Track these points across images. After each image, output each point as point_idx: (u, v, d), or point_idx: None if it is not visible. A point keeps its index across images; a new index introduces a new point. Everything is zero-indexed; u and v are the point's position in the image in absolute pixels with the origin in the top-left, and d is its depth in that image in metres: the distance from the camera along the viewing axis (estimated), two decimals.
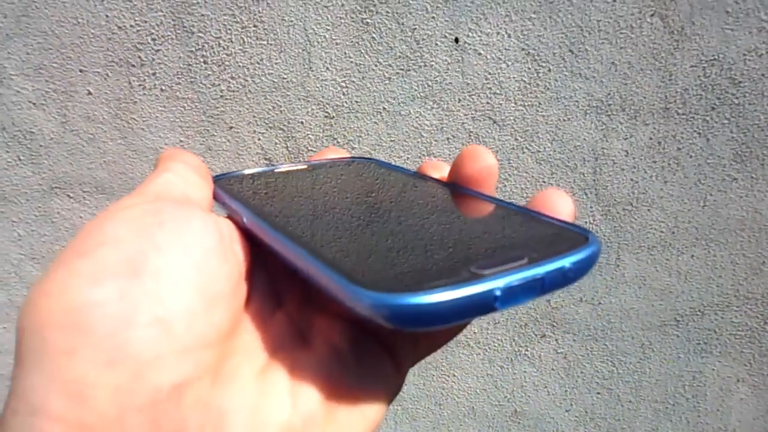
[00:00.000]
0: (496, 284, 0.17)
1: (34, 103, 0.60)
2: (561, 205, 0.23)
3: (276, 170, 0.29)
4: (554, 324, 0.68)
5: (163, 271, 0.18)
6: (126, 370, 0.16)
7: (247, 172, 0.29)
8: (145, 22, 0.57)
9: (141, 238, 0.18)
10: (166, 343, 0.17)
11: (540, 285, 0.18)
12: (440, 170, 0.29)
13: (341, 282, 0.17)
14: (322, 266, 0.18)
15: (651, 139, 0.60)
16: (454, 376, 0.70)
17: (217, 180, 0.27)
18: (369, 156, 0.32)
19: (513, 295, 0.17)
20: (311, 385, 0.19)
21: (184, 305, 0.18)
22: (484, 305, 0.17)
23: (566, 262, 0.18)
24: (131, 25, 0.57)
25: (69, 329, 0.16)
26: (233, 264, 0.21)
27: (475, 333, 0.68)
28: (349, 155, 0.32)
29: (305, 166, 0.30)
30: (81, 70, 0.59)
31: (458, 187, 0.26)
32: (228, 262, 0.20)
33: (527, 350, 0.69)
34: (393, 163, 0.32)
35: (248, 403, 0.18)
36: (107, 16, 0.57)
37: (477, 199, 0.25)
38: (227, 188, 0.26)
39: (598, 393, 0.71)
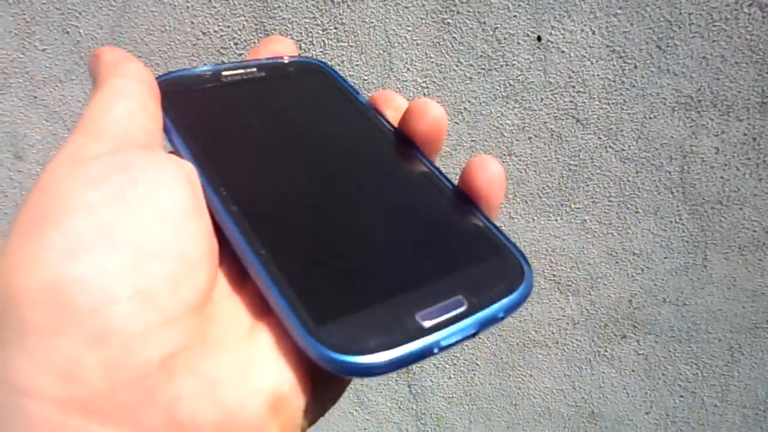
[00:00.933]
0: (436, 337, 0.18)
1: None
2: (491, 170, 0.23)
3: (220, 79, 0.26)
4: (636, 325, 0.66)
5: (142, 239, 0.17)
6: (114, 346, 0.15)
7: (187, 75, 0.26)
8: (228, 27, 0.59)
9: (114, 202, 0.17)
10: (152, 314, 0.16)
11: (474, 333, 0.19)
12: (392, 106, 0.27)
13: (296, 326, 0.18)
14: (276, 294, 0.18)
15: (745, 135, 0.57)
16: (531, 375, 0.70)
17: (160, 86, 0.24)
18: (319, 60, 0.29)
19: (449, 345, 0.18)
20: (295, 349, 0.18)
21: (166, 274, 0.17)
22: (423, 355, 0.18)
23: (500, 309, 0.20)
24: (215, 31, 0.59)
25: (49, 307, 0.15)
26: (206, 219, 0.20)
27: (553, 333, 0.67)
28: (295, 54, 0.29)
29: (249, 73, 0.27)
30: None
31: (403, 152, 0.25)
32: (203, 218, 0.19)
33: (606, 351, 0.68)
34: (345, 79, 0.29)
35: (238, 369, 0.17)
36: (192, 22, 0.59)
37: (423, 184, 0.24)
38: (170, 112, 0.23)
39: (681, 396, 0.69)
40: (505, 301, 0.20)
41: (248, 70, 0.27)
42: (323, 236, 0.21)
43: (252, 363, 0.17)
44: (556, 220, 0.62)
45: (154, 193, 0.18)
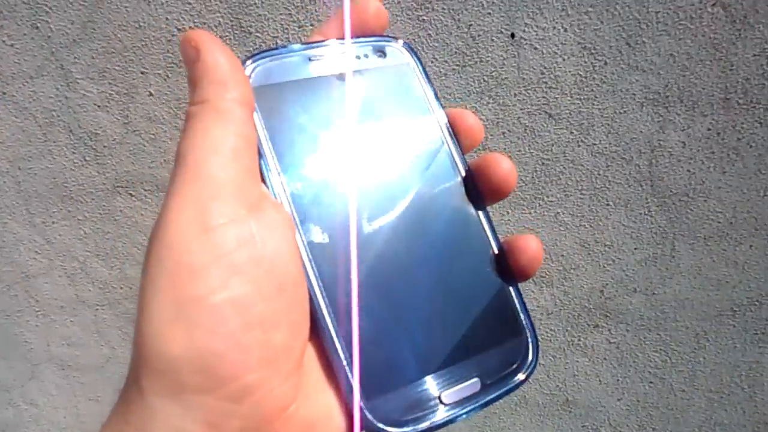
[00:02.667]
0: (453, 414, 0.24)
1: (98, 106, 0.62)
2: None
3: (307, 68, 0.27)
4: (607, 314, 0.68)
5: (266, 314, 0.21)
6: (248, 403, 0.20)
7: (275, 62, 0.26)
8: (204, 23, 0.59)
9: (244, 284, 0.21)
10: (275, 377, 0.21)
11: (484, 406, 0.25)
12: (465, 125, 0.29)
13: (356, 397, 0.22)
14: (342, 369, 0.23)
15: (709, 130, 0.59)
16: None
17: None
18: (408, 45, 0.29)
19: (463, 418, 0.24)
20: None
21: (284, 342, 0.21)
22: (443, 426, 0.24)
23: (506, 392, 0.25)
24: (190, 27, 0.59)
25: (199, 373, 0.20)
26: (304, 281, 0.24)
27: None
28: (384, 36, 0.29)
29: (337, 58, 0.27)
30: (142, 72, 0.61)
31: (464, 202, 0.27)
32: (303, 280, 0.23)
33: (580, 340, 0.70)
34: (426, 71, 0.29)
35: (324, 415, 0.23)
36: (167, 18, 0.59)
37: (473, 248, 0.27)
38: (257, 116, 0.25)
39: (651, 382, 0.72)
40: (510, 386, 0.25)
41: (337, 53, 0.27)
42: (382, 311, 0.25)
43: (331, 409, 0.23)
44: (530, 213, 0.63)
45: (273, 267, 0.21)
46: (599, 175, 0.61)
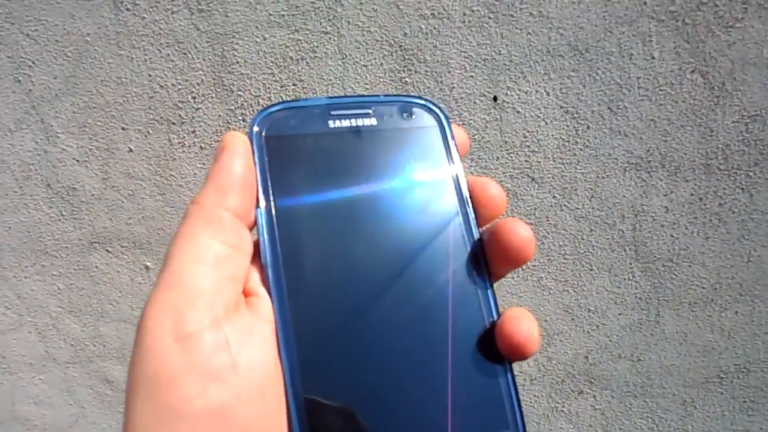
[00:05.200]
0: None
1: (77, 160, 0.61)
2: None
3: (326, 122, 0.27)
4: (592, 380, 0.66)
5: (250, 421, 0.21)
6: None
7: (295, 111, 0.26)
8: (186, 80, 0.58)
9: (222, 392, 0.20)
10: None
11: None
12: (486, 194, 0.27)
13: None
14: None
15: (692, 195, 0.59)
16: None
17: (261, 125, 0.26)
18: (436, 106, 0.28)
19: None
20: None
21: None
22: None
23: None
24: (172, 84, 0.59)
25: None
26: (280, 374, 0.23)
27: None
28: (417, 98, 0.29)
29: (359, 116, 0.27)
30: (123, 128, 0.60)
31: (472, 273, 0.26)
32: (280, 374, 0.23)
33: (564, 407, 0.68)
34: (452, 133, 0.28)
35: None
36: (150, 75, 0.58)
37: (472, 325, 0.25)
38: (267, 165, 0.25)
39: None
40: None
41: (360, 111, 0.27)
42: (355, 386, 0.23)
43: None
44: (513, 278, 0.62)
45: (250, 371, 0.21)
46: (582, 239, 0.61)
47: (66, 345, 0.70)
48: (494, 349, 0.24)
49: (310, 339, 0.23)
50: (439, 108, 0.28)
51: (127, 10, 0.56)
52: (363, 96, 0.28)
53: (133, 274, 0.65)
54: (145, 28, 0.57)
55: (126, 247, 0.64)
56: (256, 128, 0.26)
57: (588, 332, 0.64)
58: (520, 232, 0.25)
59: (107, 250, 0.65)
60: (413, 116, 0.28)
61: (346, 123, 0.27)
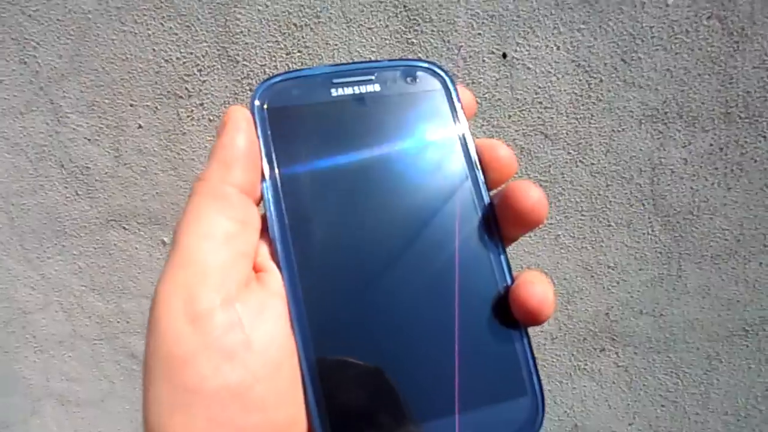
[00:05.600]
0: None
1: (89, 139, 0.62)
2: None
3: (329, 91, 0.26)
4: (614, 337, 0.66)
5: (268, 398, 0.21)
6: None
7: (296, 82, 0.26)
8: (191, 53, 0.58)
9: (238, 368, 0.21)
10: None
11: None
12: (495, 155, 0.27)
13: None
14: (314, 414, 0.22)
15: (711, 145, 0.57)
16: None
17: (262, 97, 0.25)
18: (441, 69, 0.27)
19: None
20: None
21: (290, 418, 0.21)
22: None
23: None
24: (177, 58, 0.58)
25: None
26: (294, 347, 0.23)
27: None
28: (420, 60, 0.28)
29: (362, 82, 0.26)
30: (131, 105, 0.60)
31: (483, 238, 0.25)
32: (294, 348, 0.23)
33: (586, 365, 0.68)
34: (459, 97, 0.27)
35: None
36: (154, 50, 0.58)
37: (485, 290, 0.25)
38: (270, 138, 0.25)
39: (663, 406, 0.69)
40: None
41: (363, 78, 0.26)
42: (369, 353, 0.23)
43: None
44: (530, 236, 0.61)
45: (265, 347, 0.21)
46: (599, 195, 0.59)
47: (92, 322, 0.71)
48: (509, 315, 0.24)
49: (322, 310, 0.22)
50: (444, 70, 0.27)
51: None
52: (365, 62, 0.27)
53: (151, 250, 0.66)
54: (145, 2, 0.56)
55: (142, 224, 0.65)
56: (257, 101, 0.25)
57: (608, 289, 0.64)
58: (531, 194, 0.24)
59: (124, 228, 0.65)
60: (417, 80, 0.27)
61: (348, 91, 0.26)
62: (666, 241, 0.61)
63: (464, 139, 0.26)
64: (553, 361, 0.67)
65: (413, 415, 0.22)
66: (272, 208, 0.24)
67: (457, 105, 0.27)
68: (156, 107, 0.60)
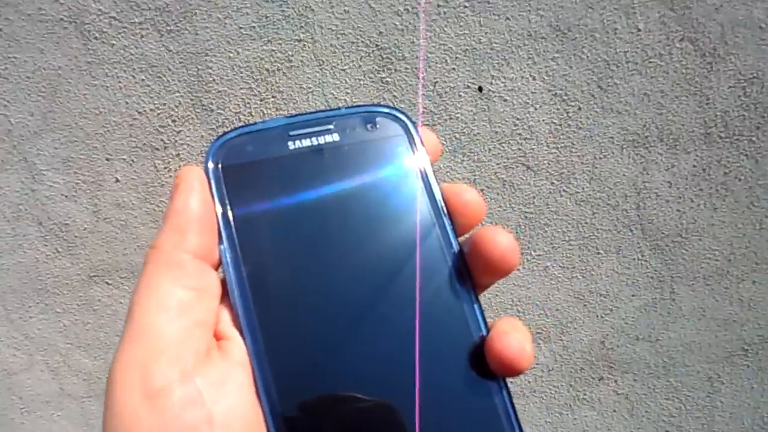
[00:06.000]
0: None
1: (66, 196, 0.61)
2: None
3: (286, 145, 0.25)
4: (611, 365, 0.65)
5: None
6: None
7: (252, 136, 0.25)
8: (164, 104, 0.57)
9: None
10: None
11: None
12: (461, 200, 0.26)
13: None
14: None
15: (694, 167, 0.57)
16: None
17: (216, 154, 0.24)
18: (401, 113, 0.26)
19: None
20: None
21: None
22: None
23: None
24: (151, 109, 0.58)
25: None
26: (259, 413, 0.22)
27: (529, 382, 0.65)
28: (382, 106, 0.27)
29: (321, 132, 0.25)
30: (107, 159, 0.59)
31: (454, 287, 0.24)
32: (260, 415, 0.22)
33: (585, 394, 0.66)
34: (422, 140, 0.26)
35: None
36: (127, 102, 0.57)
37: (460, 333, 0.24)
38: (225, 198, 0.24)
39: (667, 431, 0.68)
40: None
41: (321, 128, 0.25)
42: (340, 421, 0.21)
43: None
44: (519, 269, 0.61)
45: (228, 422, 0.20)
46: (586, 223, 0.59)
47: (79, 380, 0.70)
48: (485, 367, 0.23)
49: (289, 377, 0.21)
50: (405, 114, 0.27)
51: (95, 38, 0.55)
52: (322, 111, 0.26)
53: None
54: (115, 54, 0.56)
55: (125, 278, 0.64)
56: (210, 161, 0.24)
57: (602, 317, 0.62)
58: (500, 240, 0.23)
59: (107, 283, 0.64)
60: (377, 126, 0.26)
61: (306, 142, 0.25)
62: (656, 265, 0.60)
63: (429, 184, 0.25)
64: (551, 393, 0.66)
65: None
66: (231, 271, 0.23)
67: (421, 149, 0.26)
68: (132, 160, 0.59)
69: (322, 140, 0.25)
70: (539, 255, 0.60)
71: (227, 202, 0.24)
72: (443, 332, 0.23)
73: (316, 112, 0.26)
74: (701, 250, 0.60)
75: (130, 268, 0.63)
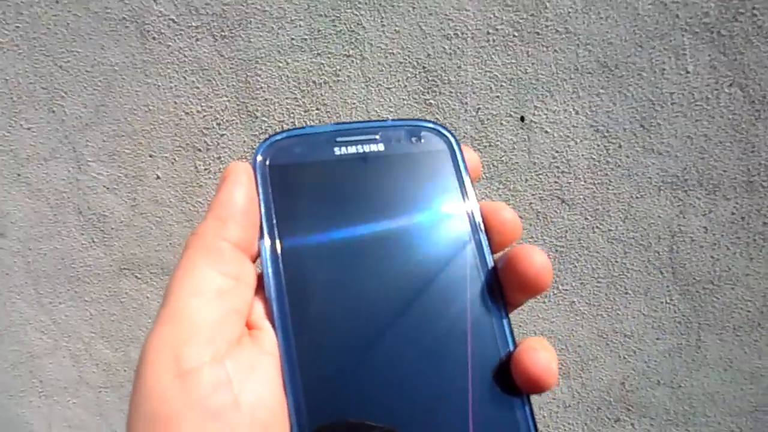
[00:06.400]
0: None
1: (107, 188, 0.62)
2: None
3: (332, 149, 0.26)
4: (629, 408, 0.64)
5: None
6: None
7: (300, 139, 0.26)
8: (211, 107, 0.59)
9: (224, 430, 0.19)
10: None
11: None
12: (499, 218, 0.26)
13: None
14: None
15: (733, 214, 0.56)
16: None
17: (265, 153, 0.25)
18: (446, 130, 0.27)
19: None
20: None
21: None
22: None
23: None
24: (198, 111, 0.59)
25: None
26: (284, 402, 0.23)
27: (544, 417, 0.64)
28: (432, 123, 0.28)
29: (366, 141, 0.26)
30: (151, 155, 0.61)
31: (485, 302, 0.24)
32: (284, 403, 0.22)
33: None
34: (464, 158, 0.27)
35: None
36: (175, 102, 0.59)
37: (487, 345, 0.24)
38: (271, 193, 0.24)
39: None
40: None
41: (367, 137, 0.26)
42: (360, 375, 0.22)
43: None
44: (545, 302, 0.60)
45: (253, 409, 0.20)
46: (616, 262, 0.58)
47: (98, 370, 0.71)
48: (511, 382, 0.23)
49: (318, 375, 0.22)
50: (449, 131, 0.27)
51: (153, 38, 0.57)
52: (370, 121, 0.27)
53: (161, 300, 0.66)
54: (170, 56, 0.57)
55: (155, 273, 0.65)
56: (259, 157, 0.25)
57: (624, 358, 0.62)
58: (536, 259, 0.23)
59: (136, 277, 0.65)
60: (422, 140, 0.27)
61: (352, 149, 0.26)
62: (685, 310, 0.59)
63: (469, 201, 0.26)
64: (566, 430, 0.65)
65: None
66: (269, 266, 0.23)
67: (462, 166, 0.26)
68: (174, 159, 0.60)
69: (367, 148, 0.26)
70: (566, 290, 0.60)
71: (272, 199, 0.24)
72: (473, 344, 0.24)
73: (364, 121, 0.27)
74: (733, 299, 0.59)
75: (160, 264, 0.64)
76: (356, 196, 0.25)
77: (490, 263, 0.25)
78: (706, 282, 0.58)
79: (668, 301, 0.59)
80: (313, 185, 0.25)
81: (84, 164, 0.62)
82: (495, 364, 0.23)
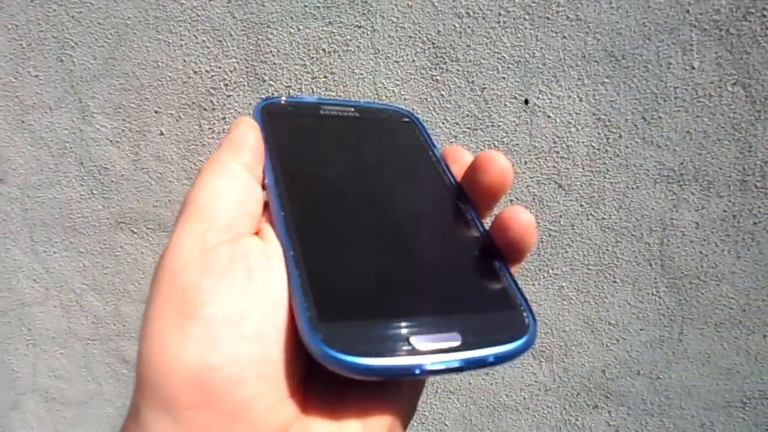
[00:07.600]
0: (421, 361, 0.20)
1: (110, 141, 0.63)
2: (521, 218, 0.25)
3: (318, 112, 0.32)
4: (608, 395, 0.65)
5: (264, 328, 0.21)
6: (244, 421, 0.19)
7: (291, 102, 0.31)
8: (220, 67, 0.59)
9: (238, 295, 0.21)
10: (273, 395, 0.20)
11: (459, 367, 0.21)
12: (459, 161, 0.30)
13: (301, 316, 0.21)
14: (295, 286, 0.22)
15: (725, 212, 0.57)
16: None
17: (264, 109, 0.30)
18: (411, 112, 0.34)
19: (432, 371, 0.20)
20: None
21: (284, 358, 0.21)
22: (405, 372, 0.20)
23: (491, 355, 0.21)
24: (206, 70, 0.59)
25: (193, 388, 0.19)
26: None
27: (524, 398, 0.66)
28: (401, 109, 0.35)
29: (346, 110, 0.33)
30: (156, 111, 0.61)
31: (454, 202, 0.28)
32: None
33: (578, 420, 0.67)
34: (428, 133, 0.33)
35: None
36: (185, 60, 0.59)
37: (460, 230, 0.27)
38: (269, 134, 0.28)
39: None
40: (498, 349, 0.22)
41: (345, 107, 0.32)
42: (355, 252, 0.24)
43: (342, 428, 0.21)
44: (534, 285, 0.61)
45: (267, 281, 0.22)
46: (607, 250, 0.59)
47: (87, 322, 0.71)
48: (494, 251, 0.26)
49: (318, 266, 0.23)
50: (411, 113, 0.34)
51: None
52: (350, 101, 0.34)
53: (156, 256, 0.66)
54: (183, 13, 0.58)
55: (151, 229, 0.65)
56: (260, 107, 0.30)
57: (607, 346, 0.63)
58: (498, 161, 0.26)
59: (133, 231, 0.66)
60: (391, 114, 0.34)
61: (334, 113, 0.32)
62: (670, 303, 0.61)
63: (434, 148, 0.32)
64: (544, 413, 0.66)
65: (404, 308, 0.22)
66: (273, 186, 0.26)
67: (426, 135, 0.32)
68: (179, 116, 0.61)
69: (346, 113, 0.32)
70: (556, 274, 0.61)
71: (272, 138, 0.28)
72: (450, 227, 0.28)
73: (345, 100, 0.33)
74: (717, 295, 0.60)
75: (157, 220, 0.65)
76: (341, 136, 0.31)
77: (454, 181, 0.30)
78: (693, 277, 0.59)
79: (654, 292, 0.60)
80: (305, 129, 0.30)
81: (89, 115, 0.62)
82: (476, 242, 0.26)
